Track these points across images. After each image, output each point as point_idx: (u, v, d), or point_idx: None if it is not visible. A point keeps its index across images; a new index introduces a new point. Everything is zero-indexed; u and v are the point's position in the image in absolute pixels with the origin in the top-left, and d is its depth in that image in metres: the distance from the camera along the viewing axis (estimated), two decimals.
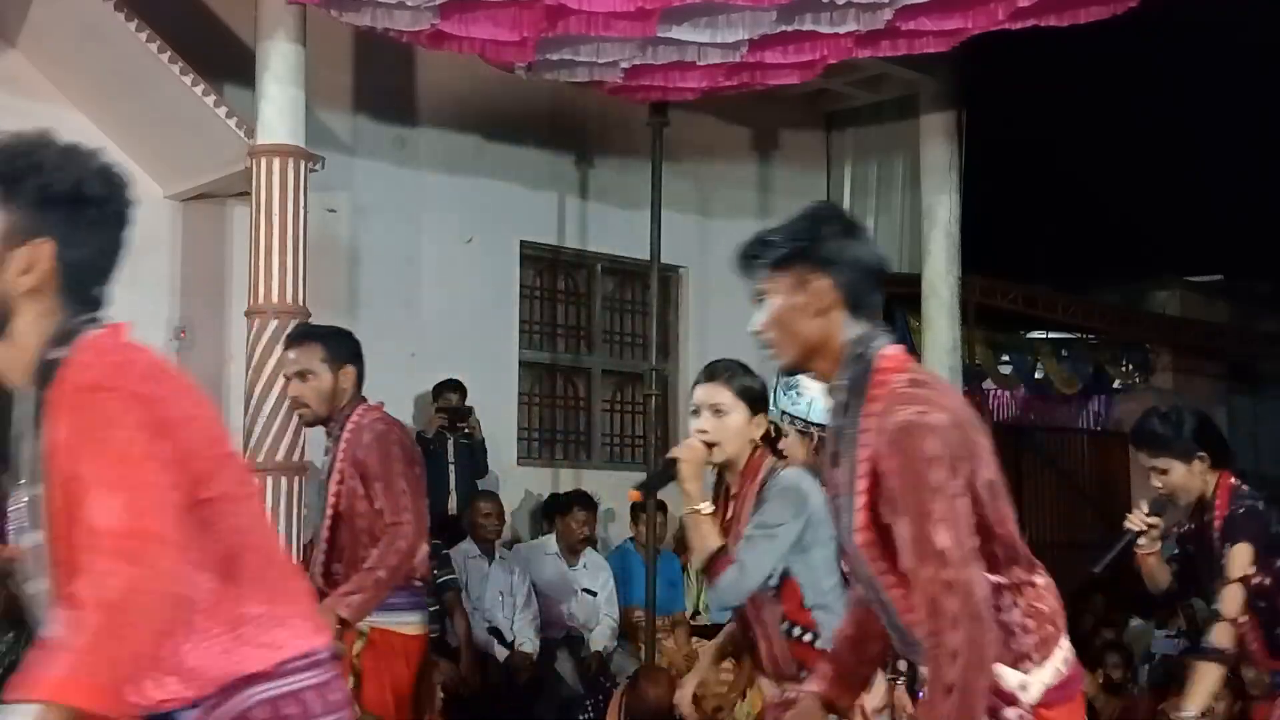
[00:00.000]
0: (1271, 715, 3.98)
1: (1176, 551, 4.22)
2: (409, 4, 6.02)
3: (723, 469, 3.46)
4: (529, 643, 6.92)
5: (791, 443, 4.15)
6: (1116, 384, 12.15)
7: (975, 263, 9.01)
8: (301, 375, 4.19)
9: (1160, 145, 9.16)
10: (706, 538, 3.29)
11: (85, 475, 1.84)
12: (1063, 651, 2.35)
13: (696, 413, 3.40)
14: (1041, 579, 2.37)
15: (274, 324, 6.30)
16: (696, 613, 7.65)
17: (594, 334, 8.99)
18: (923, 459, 2.19)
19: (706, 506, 3.30)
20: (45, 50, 6.78)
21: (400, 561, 4.00)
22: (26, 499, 1.99)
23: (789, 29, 6.33)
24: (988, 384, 10.80)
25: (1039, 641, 2.30)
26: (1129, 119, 9.12)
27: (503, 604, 7.00)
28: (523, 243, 8.51)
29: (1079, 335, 11.75)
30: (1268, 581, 3.92)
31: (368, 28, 6.44)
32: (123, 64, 6.56)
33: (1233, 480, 4.05)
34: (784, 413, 4.11)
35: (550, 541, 7.46)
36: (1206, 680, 3.90)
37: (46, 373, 1.93)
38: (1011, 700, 2.25)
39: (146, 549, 1.81)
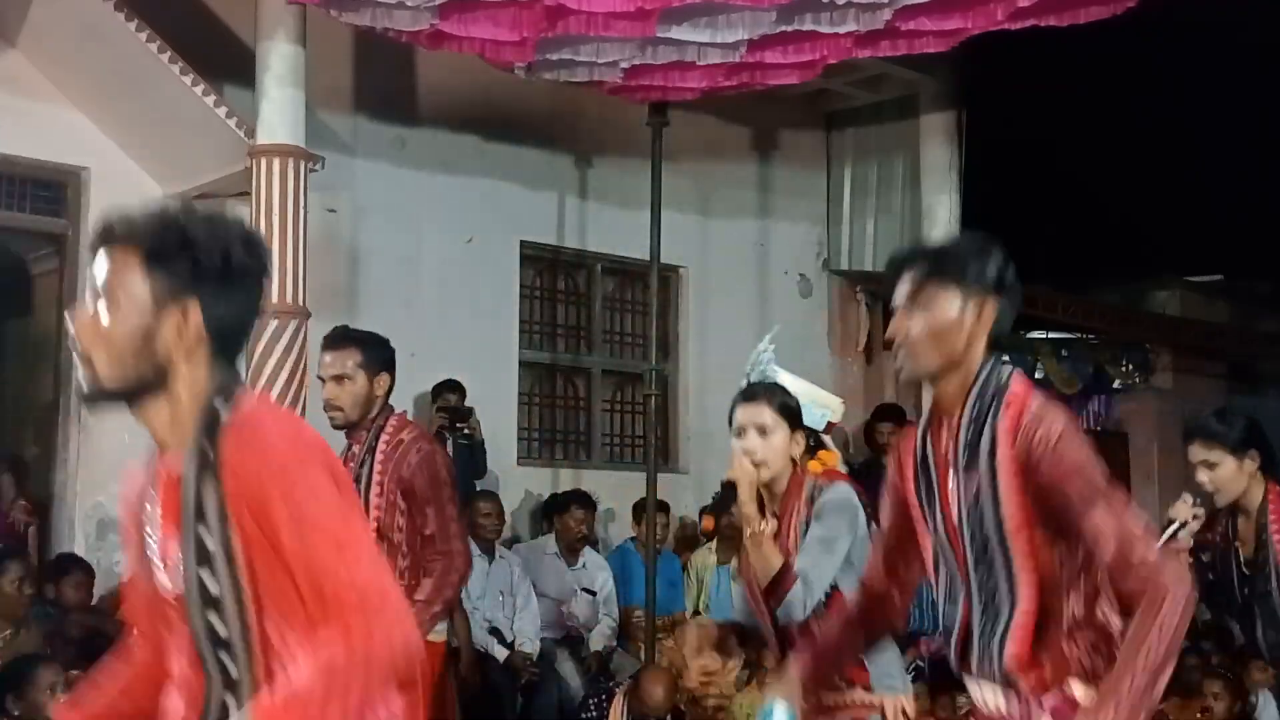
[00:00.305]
0: None
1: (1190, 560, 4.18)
2: (409, 4, 6.02)
3: (762, 487, 3.54)
4: (529, 643, 6.92)
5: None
6: (1116, 384, 12.15)
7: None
8: (338, 379, 4.22)
9: (1160, 145, 9.14)
10: (769, 557, 3.39)
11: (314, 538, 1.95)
12: None
13: (741, 434, 3.51)
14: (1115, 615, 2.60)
15: (274, 324, 6.30)
16: (696, 612, 7.65)
17: (594, 334, 8.99)
18: (1086, 459, 2.42)
19: (769, 527, 3.44)
20: (45, 50, 6.78)
21: (455, 594, 4.12)
22: (183, 541, 2.04)
23: (789, 29, 6.33)
24: None
25: (1109, 664, 2.48)
26: (1129, 119, 9.10)
27: (503, 604, 7.00)
28: (523, 243, 8.51)
29: (1079, 335, 11.75)
30: None
31: (368, 28, 6.45)
32: (123, 64, 6.56)
33: None
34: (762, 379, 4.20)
35: (550, 541, 7.47)
36: None
37: (212, 426, 2.03)
38: (1078, 711, 2.42)
39: (386, 604, 1.93)
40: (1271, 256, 10.49)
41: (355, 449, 4.27)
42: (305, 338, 6.40)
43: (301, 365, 6.36)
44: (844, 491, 3.53)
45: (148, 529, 2.11)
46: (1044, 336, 11.53)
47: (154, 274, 2.06)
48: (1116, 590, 2.44)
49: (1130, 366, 12.17)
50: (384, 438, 4.21)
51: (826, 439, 4.31)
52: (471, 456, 7.50)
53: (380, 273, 7.78)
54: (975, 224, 8.83)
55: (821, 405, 4.18)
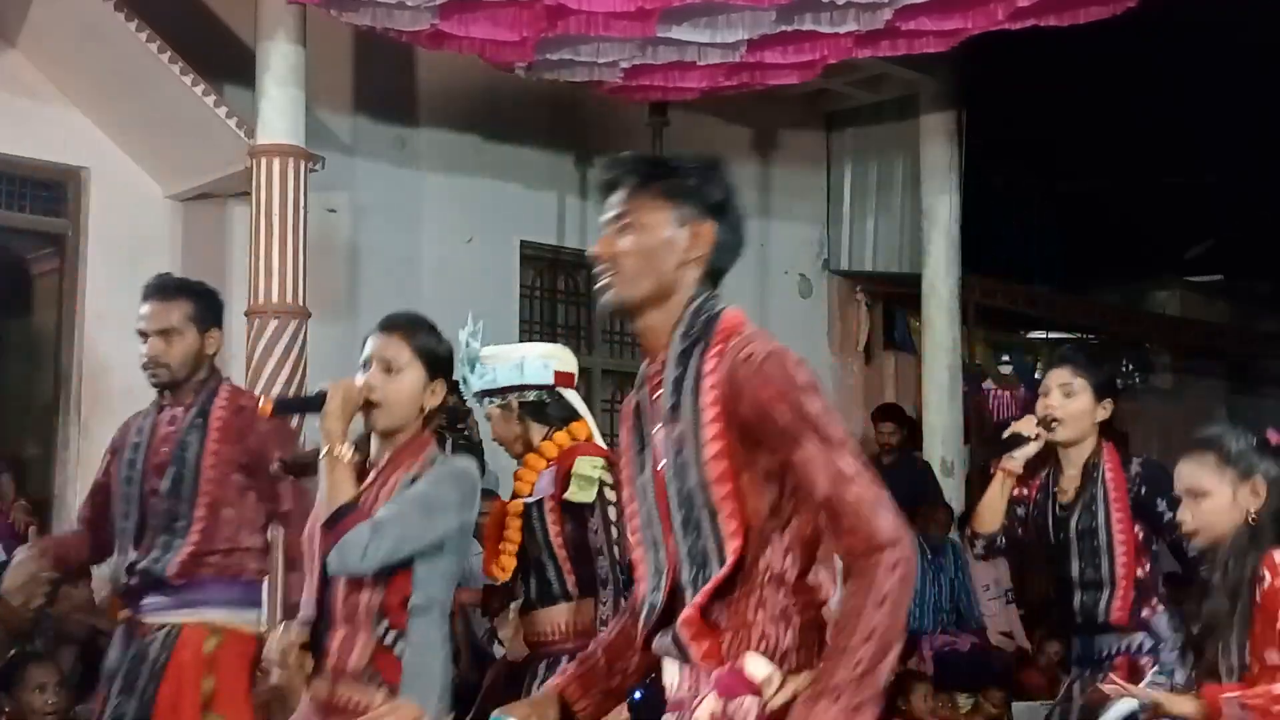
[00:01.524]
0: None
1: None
2: (409, 4, 6.02)
3: (379, 435, 2.97)
4: None
5: (496, 419, 3.94)
6: (1116, 384, 12.14)
7: (975, 263, 9.01)
8: (164, 334, 3.76)
9: (1160, 145, 9.15)
10: (340, 484, 2.83)
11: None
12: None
13: (366, 365, 2.93)
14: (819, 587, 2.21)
15: (274, 324, 6.30)
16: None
17: (594, 334, 8.99)
18: (801, 384, 2.07)
19: (348, 451, 2.86)
20: (45, 50, 6.78)
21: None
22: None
23: (789, 29, 6.33)
24: (988, 384, 10.79)
25: (800, 645, 2.13)
26: (1129, 119, 9.10)
27: None
28: (523, 243, 8.51)
29: (1079, 335, 11.75)
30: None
31: (368, 28, 6.45)
32: (123, 64, 6.56)
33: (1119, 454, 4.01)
34: (481, 394, 3.89)
35: None
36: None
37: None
38: (754, 689, 2.07)
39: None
40: (1271, 256, 10.50)
41: (178, 411, 3.80)
42: (305, 338, 6.40)
43: (302, 365, 6.37)
44: (467, 465, 2.97)
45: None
46: (1044, 336, 11.54)
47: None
48: (831, 538, 2.08)
49: (1130, 366, 12.17)
50: (219, 403, 3.77)
51: (576, 402, 3.94)
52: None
53: (380, 273, 7.78)
54: (975, 224, 8.85)
55: (542, 357, 3.85)
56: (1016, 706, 6.74)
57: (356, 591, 2.82)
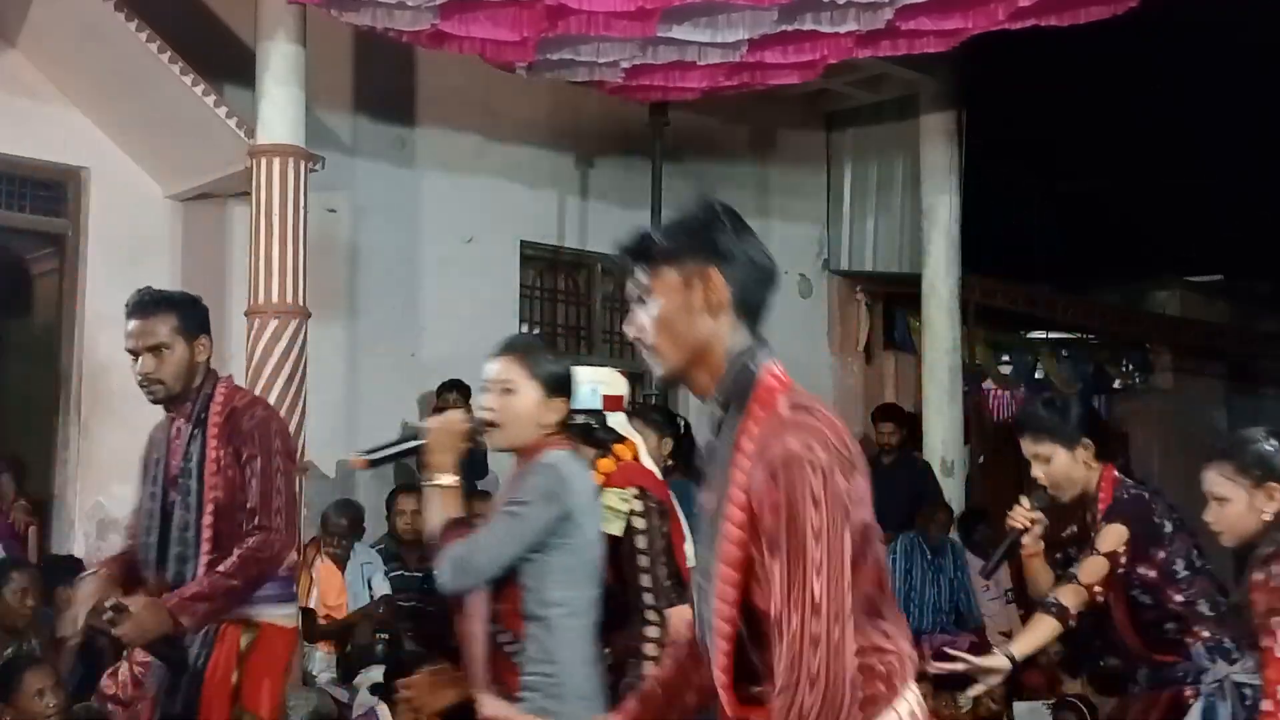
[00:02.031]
0: (1152, 711, 3.81)
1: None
2: (409, 4, 6.02)
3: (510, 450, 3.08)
4: None
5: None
6: (1116, 384, 12.16)
7: (975, 263, 9.01)
8: (154, 350, 3.70)
9: (1160, 145, 9.15)
10: (439, 509, 2.95)
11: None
12: (896, 713, 2.09)
13: (485, 389, 3.05)
14: (891, 627, 2.13)
15: (274, 324, 6.30)
16: None
17: (594, 334, 8.99)
18: (804, 498, 1.97)
19: (448, 479, 2.97)
20: (45, 50, 6.78)
21: (261, 573, 3.65)
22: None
23: (789, 29, 6.33)
24: (988, 384, 10.80)
25: (865, 700, 2.02)
26: (1129, 119, 9.10)
27: None
28: (523, 243, 8.51)
29: (1079, 335, 11.75)
30: (1152, 574, 3.75)
31: (368, 28, 6.45)
32: (123, 64, 6.56)
33: (1116, 473, 3.88)
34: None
35: None
36: (1039, 630, 3.75)
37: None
38: None
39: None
40: (1271, 256, 10.49)
41: (179, 424, 3.78)
42: (305, 338, 6.40)
43: (301, 365, 6.37)
44: (556, 457, 3.00)
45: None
46: (1044, 336, 11.54)
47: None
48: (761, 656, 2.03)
49: (1130, 366, 12.18)
50: (214, 408, 3.74)
51: (623, 426, 3.89)
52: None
53: (380, 273, 7.78)
54: (975, 224, 8.85)
55: (589, 382, 3.73)
56: (1018, 707, 6.74)
57: (474, 604, 2.93)
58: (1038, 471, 3.84)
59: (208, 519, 3.69)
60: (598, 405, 3.77)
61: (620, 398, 3.91)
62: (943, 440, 8.59)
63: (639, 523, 3.68)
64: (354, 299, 7.60)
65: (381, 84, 7.88)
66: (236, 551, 3.61)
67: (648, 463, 3.93)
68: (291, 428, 6.20)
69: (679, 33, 6.39)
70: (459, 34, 6.34)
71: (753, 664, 2.07)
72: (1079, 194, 10.25)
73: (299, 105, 6.50)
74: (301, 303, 6.39)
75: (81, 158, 6.97)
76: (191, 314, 3.81)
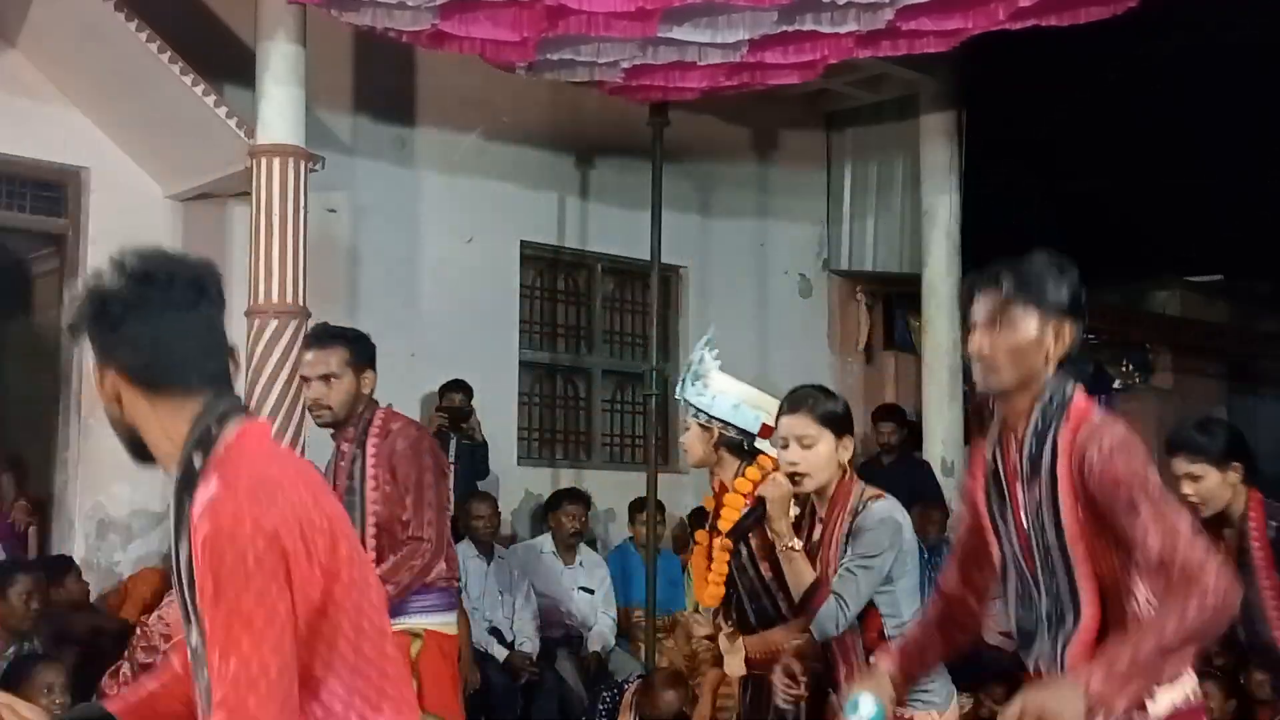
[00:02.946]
0: None
1: None
2: (409, 4, 6.02)
3: (814, 495, 3.57)
4: (529, 643, 6.92)
5: (692, 436, 4.11)
6: (1116, 384, 12.15)
7: (975, 263, 8.97)
8: (325, 379, 4.13)
9: (1160, 145, 9.14)
10: (802, 573, 3.45)
11: None
12: (1193, 680, 2.63)
13: (785, 446, 3.53)
14: None
15: (274, 324, 6.30)
16: (695, 610, 7.65)
17: (594, 334, 8.99)
18: (1144, 465, 2.51)
19: (798, 543, 3.48)
20: (45, 50, 6.78)
21: (412, 580, 4.02)
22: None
23: (789, 29, 6.33)
24: None
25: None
26: (1129, 119, 9.10)
27: (502, 604, 7.00)
28: (523, 243, 8.51)
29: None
30: None
31: (368, 28, 6.44)
32: (123, 64, 6.56)
33: (1263, 498, 4.09)
34: (687, 402, 4.07)
35: (546, 540, 7.47)
36: None
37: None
38: (1140, 707, 2.51)
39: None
40: (1271, 256, 10.49)
41: (345, 447, 4.19)
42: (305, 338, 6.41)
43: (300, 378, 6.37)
44: (889, 508, 3.52)
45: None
46: None
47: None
48: (1163, 589, 2.49)
49: (1130, 366, 12.17)
50: (373, 432, 4.15)
51: (763, 443, 4.15)
52: (473, 457, 7.50)
53: (380, 273, 7.78)
54: (975, 224, 8.84)
55: (755, 407, 4.04)
56: None
57: (843, 638, 3.46)
58: (1187, 489, 4.06)
59: (371, 532, 4.06)
60: (755, 430, 4.08)
61: (773, 429, 4.19)
62: (943, 440, 8.59)
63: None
64: (354, 299, 7.60)
65: (381, 84, 7.88)
66: (391, 558, 4.01)
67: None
68: (291, 428, 6.21)
69: (679, 33, 6.39)
70: (459, 34, 6.34)
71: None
72: (1079, 194, 10.24)
73: (299, 105, 6.50)
74: (301, 303, 6.38)
75: (81, 158, 6.97)
76: (360, 349, 4.20)
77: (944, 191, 8.75)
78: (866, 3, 6.13)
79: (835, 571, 3.47)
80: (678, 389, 4.16)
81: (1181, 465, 4.06)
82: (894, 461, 8.23)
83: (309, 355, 4.20)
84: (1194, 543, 2.44)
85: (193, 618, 1.89)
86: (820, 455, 3.50)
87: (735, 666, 4.23)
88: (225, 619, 1.78)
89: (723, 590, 4.13)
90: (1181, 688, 2.58)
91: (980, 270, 2.75)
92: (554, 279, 8.86)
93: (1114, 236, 10.68)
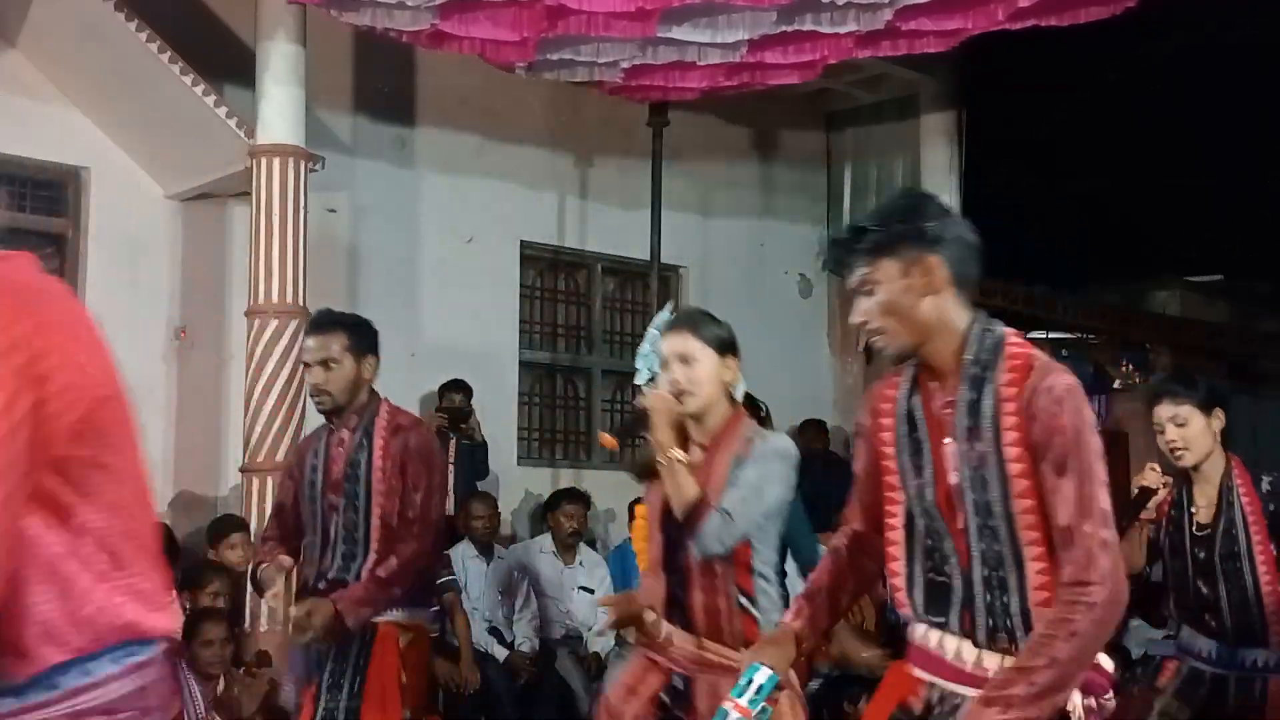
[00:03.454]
0: None
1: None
2: (409, 4, 6.02)
3: (694, 421, 3.37)
4: (528, 643, 6.92)
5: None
6: (1116, 384, 12.15)
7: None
8: (325, 364, 4.10)
9: (1160, 145, 9.15)
10: (684, 486, 3.24)
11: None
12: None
13: (665, 366, 3.36)
14: None
15: (274, 324, 6.30)
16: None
17: (594, 334, 8.99)
18: (1086, 424, 2.33)
19: (680, 454, 3.27)
20: (45, 50, 6.78)
21: (416, 582, 4.07)
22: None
23: (789, 29, 6.33)
24: None
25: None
26: (1129, 119, 9.10)
27: (502, 604, 7.00)
28: (523, 243, 8.51)
29: (1079, 335, 11.75)
30: None
31: (368, 28, 6.45)
32: (123, 64, 6.56)
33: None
34: (654, 374, 4.14)
35: (546, 540, 7.46)
36: None
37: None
38: (1109, 684, 2.43)
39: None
40: (1271, 256, 10.49)
41: (346, 435, 4.15)
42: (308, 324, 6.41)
43: (301, 365, 6.36)
44: (787, 444, 3.37)
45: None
46: (1044, 336, 11.54)
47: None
48: (1059, 558, 2.34)
49: (1130, 366, 12.17)
50: (380, 423, 4.12)
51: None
52: (473, 457, 7.49)
53: (380, 273, 7.78)
54: (975, 224, 8.83)
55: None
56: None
57: (711, 562, 3.26)
58: (1172, 434, 4.01)
59: (376, 522, 4.06)
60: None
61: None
62: None
63: None
64: (354, 299, 7.59)
65: (381, 84, 7.88)
66: (396, 560, 4.00)
67: None
68: (291, 427, 6.21)
69: (679, 33, 6.39)
70: (459, 34, 6.34)
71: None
72: (1079, 194, 10.25)
73: (299, 105, 6.50)
74: (301, 303, 6.39)
75: (81, 158, 6.98)
76: (361, 335, 4.18)
77: (944, 191, 8.73)
78: (866, 3, 6.13)
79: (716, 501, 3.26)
80: (643, 361, 4.23)
81: (1166, 410, 4.00)
82: None
83: (310, 341, 4.18)
84: (1102, 526, 2.29)
85: None
86: (702, 373, 3.31)
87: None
88: None
89: None
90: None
91: (829, 243, 2.65)
92: (554, 279, 8.86)
93: (1114, 236, 10.70)
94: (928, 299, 2.42)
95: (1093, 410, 2.38)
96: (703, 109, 8.34)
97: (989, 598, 2.42)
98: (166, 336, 7.05)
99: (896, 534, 2.56)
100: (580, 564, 7.40)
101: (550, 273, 8.83)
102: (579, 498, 7.50)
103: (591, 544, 7.79)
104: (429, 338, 7.84)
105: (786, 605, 3.57)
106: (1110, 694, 2.42)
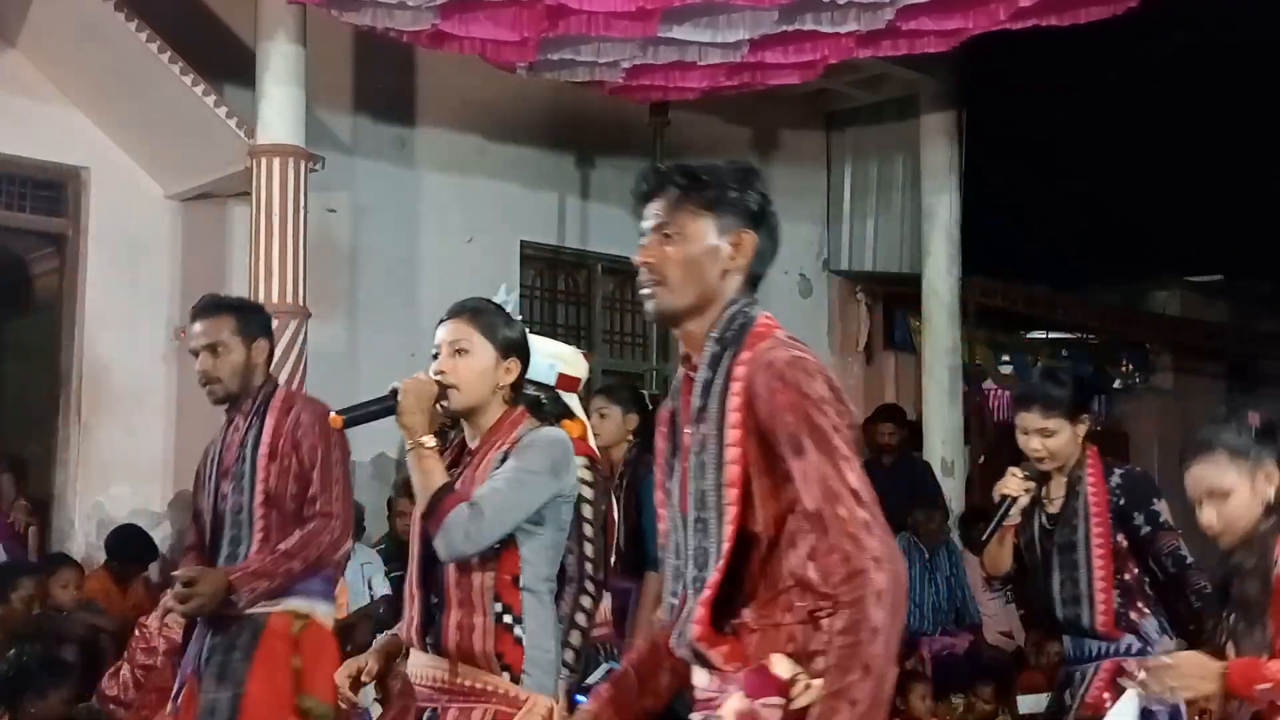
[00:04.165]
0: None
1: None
2: (409, 4, 6.02)
3: (461, 419, 3.02)
4: None
5: None
6: (1116, 384, 12.15)
7: (975, 263, 9.01)
8: (212, 349, 3.93)
9: (1160, 145, 9.14)
10: (430, 473, 2.85)
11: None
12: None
13: (435, 355, 3.01)
14: None
15: (274, 324, 6.28)
16: None
17: (594, 334, 8.99)
18: (814, 396, 2.10)
19: (430, 440, 2.88)
20: (45, 50, 6.78)
21: (320, 557, 3.86)
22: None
23: (789, 29, 6.33)
24: (988, 384, 10.80)
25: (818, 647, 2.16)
26: (1129, 119, 9.10)
27: None
28: (523, 243, 8.51)
29: (1079, 335, 11.75)
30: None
31: (368, 28, 6.45)
32: (123, 64, 6.56)
33: (1098, 452, 4.01)
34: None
35: None
36: None
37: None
38: (783, 690, 2.10)
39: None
40: (1271, 256, 10.48)
41: (239, 420, 3.98)
42: (305, 338, 6.41)
43: (302, 365, 6.37)
44: (558, 435, 3.01)
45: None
46: (1044, 336, 11.54)
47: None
48: (814, 551, 2.10)
49: (1130, 366, 12.17)
50: (274, 404, 3.96)
51: (572, 404, 3.93)
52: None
53: (380, 273, 7.78)
54: (975, 224, 8.85)
55: (550, 355, 3.80)
56: (1023, 699, 6.69)
57: (468, 574, 2.86)
58: (1036, 444, 3.90)
59: (259, 500, 3.87)
60: (551, 381, 3.82)
61: (576, 380, 3.96)
62: (943, 440, 8.59)
63: (587, 492, 3.71)
64: (354, 299, 7.60)
65: (381, 84, 7.88)
66: (298, 532, 3.82)
67: (593, 444, 4.06)
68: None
69: (679, 33, 6.39)
70: (459, 34, 6.34)
71: (733, 594, 2.14)
72: (1079, 194, 10.24)
73: (299, 105, 6.50)
74: (301, 303, 6.39)
75: (81, 158, 6.97)
76: (250, 318, 4.06)
77: (944, 191, 8.75)
78: (866, 3, 6.13)
79: None
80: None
81: (1034, 420, 3.90)
82: (894, 461, 8.22)
83: (195, 326, 4.00)
84: (857, 506, 2.04)
85: None
86: (475, 366, 2.94)
87: None
88: None
89: None
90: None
91: (650, 170, 2.38)
92: (554, 279, 8.86)
93: (1114, 236, 10.69)
94: (724, 274, 2.24)
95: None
96: (703, 109, 8.34)
97: (690, 605, 2.18)
98: (166, 336, 7.04)
99: (669, 558, 2.30)
100: None
101: (550, 273, 8.83)
102: None
103: None
104: (429, 338, 7.79)
105: (570, 630, 3.45)
106: (776, 700, 2.10)
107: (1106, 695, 3.74)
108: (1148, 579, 3.94)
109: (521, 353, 3.05)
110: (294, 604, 3.87)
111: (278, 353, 6.24)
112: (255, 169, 6.41)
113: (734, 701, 2.11)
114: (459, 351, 2.97)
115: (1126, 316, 11.75)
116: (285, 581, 3.81)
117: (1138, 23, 6.25)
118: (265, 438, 3.90)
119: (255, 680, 3.77)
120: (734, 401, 2.14)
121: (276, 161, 6.39)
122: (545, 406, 3.74)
